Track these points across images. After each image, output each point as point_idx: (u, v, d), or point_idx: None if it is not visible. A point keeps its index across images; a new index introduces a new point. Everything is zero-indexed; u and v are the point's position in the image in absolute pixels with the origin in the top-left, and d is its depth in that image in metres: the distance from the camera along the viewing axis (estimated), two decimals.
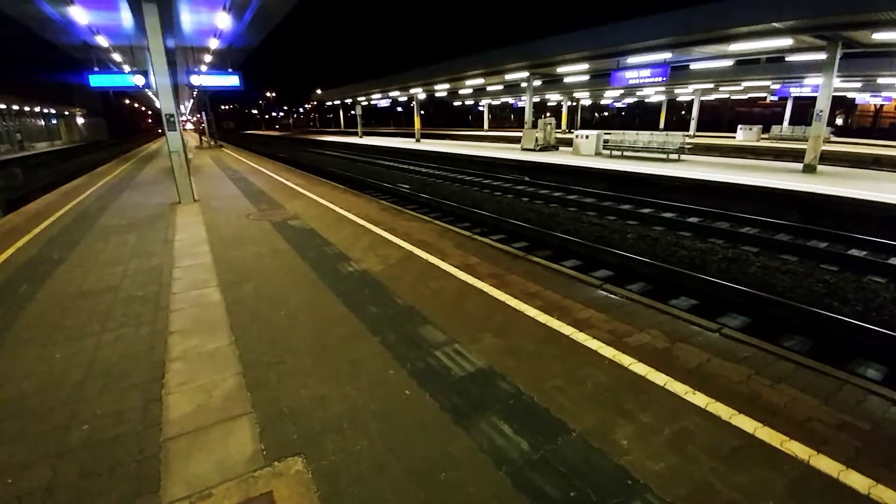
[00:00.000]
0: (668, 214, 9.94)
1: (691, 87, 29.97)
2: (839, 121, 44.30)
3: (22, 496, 2.00)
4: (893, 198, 9.04)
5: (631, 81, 17.98)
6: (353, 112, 42.21)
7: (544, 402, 2.61)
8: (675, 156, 16.73)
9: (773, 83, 26.39)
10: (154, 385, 2.83)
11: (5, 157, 26.83)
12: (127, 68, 17.17)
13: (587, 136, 19.53)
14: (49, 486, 2.06)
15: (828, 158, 17.43)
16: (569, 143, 21.53)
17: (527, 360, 3.07)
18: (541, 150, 21.42)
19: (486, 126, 49.39)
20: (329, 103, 60.43)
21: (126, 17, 10.74)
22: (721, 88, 30.53)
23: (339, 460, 2.18)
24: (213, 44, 13.75)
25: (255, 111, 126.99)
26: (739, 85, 27.69)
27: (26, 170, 20.53)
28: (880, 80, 23.27)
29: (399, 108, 72.41)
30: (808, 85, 24.13)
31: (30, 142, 40.10)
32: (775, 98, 32.36)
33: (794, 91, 26.32)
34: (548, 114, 47.51)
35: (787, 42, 12.82)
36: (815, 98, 13.84)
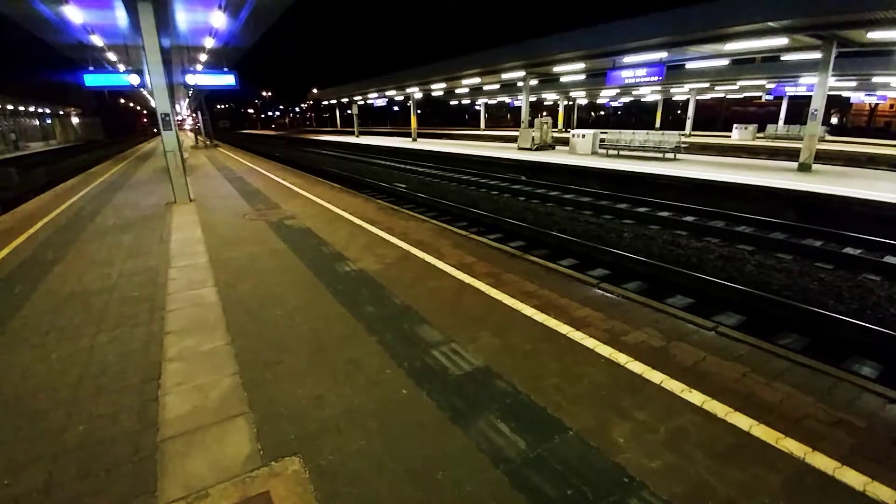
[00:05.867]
0: (664, 213, 9.97)
1: (687, 87, 30.02)
2: (834, 120, 44.57)
3: (19, 497, 2.00)
4: (887, 196, 9.10)
5: (627, 81, 18.03)
6: (349, 111, 42.11)
7: (541, 400, 2.61)
8: (671, 155, 16.76)
9: (768, 82, 26.48)
10: (150, 385, 2.82)
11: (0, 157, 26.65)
12: (122, 67, 17.13)
13: (583, 136, 19.55)
14: (46, 487, 2.05)
15: (823, 157, 17.51)
16: (565, 142, 21.53)
17: (524, 358, 3.08)
18: (537, 149, 21.44)
19: (482, 125, 49.30)
20: (325, 102, 60.37)
21: (121, 17, 10.69)
22: (717, 87, 30.59)
23: (336, 460, 2.18)
24: (209, 43, 13.71)
25: (251, 110, 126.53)
26: (735, 84, 27.78)
27: (20, 170, 20.36)
28: (875, 79, 23.40)
29: (395, 108, 72.23)
30: (804, 84, 24.22)
31: (24, 141, 39.83)
32: (771, 97, 32.46)
33: (790, 90, 26.42)
34: (544, 113, 47.64)
35: (782, 41, 12.87)
36: (810, 97, 13.89)
